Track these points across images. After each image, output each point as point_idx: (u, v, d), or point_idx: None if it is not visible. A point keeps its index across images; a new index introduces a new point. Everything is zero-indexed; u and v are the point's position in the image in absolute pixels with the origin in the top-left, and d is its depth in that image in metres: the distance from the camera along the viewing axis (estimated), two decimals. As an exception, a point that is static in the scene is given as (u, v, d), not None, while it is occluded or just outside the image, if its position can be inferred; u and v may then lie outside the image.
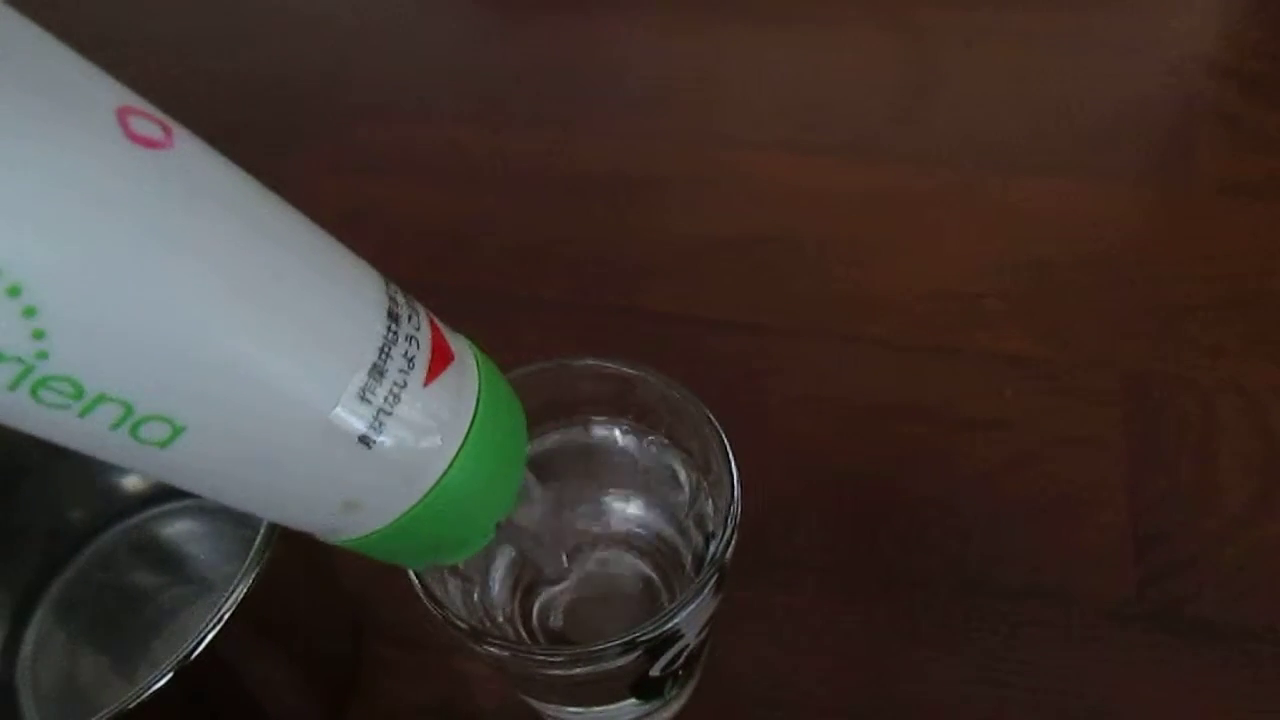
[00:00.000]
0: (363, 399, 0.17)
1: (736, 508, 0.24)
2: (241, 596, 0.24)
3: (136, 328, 0.14)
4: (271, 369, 0.16)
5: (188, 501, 0.35)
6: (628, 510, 0.30)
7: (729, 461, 0.25)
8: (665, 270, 0.44)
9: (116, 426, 0.15)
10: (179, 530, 0.35)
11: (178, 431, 0.15)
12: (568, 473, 0.29)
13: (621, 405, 0.28)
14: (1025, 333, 0.41)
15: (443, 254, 0.45)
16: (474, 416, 0.19)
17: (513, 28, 0.57)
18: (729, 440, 0.25)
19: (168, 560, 0.35)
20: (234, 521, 0.34)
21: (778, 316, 0.42)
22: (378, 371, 0.17)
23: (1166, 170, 0.47)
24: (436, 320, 0.19)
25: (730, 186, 0.47)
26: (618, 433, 0.28)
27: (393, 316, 0.18)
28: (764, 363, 0.41)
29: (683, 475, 0.28)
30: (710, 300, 0.43)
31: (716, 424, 0.25)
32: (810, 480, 0.37)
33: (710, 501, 0.27)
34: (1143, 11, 0.54)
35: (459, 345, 0.20)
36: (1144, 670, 0.32)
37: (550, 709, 0.30)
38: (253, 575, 0.24)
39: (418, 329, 0.18)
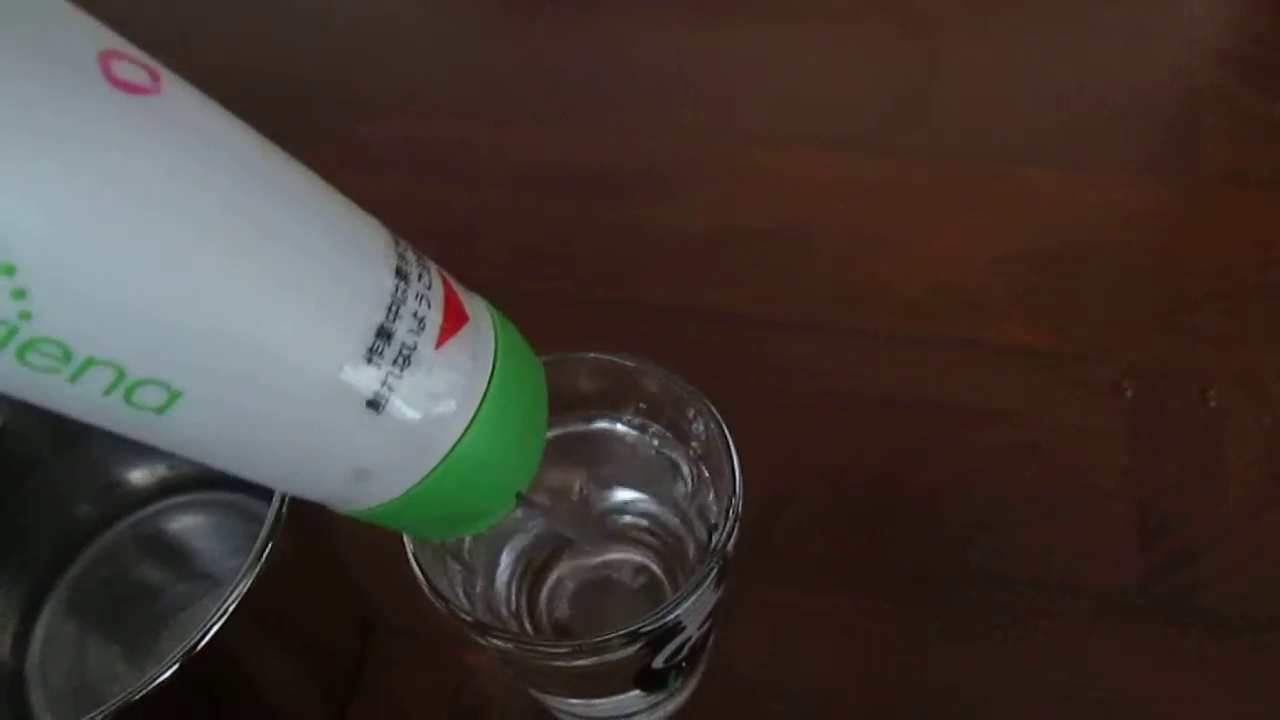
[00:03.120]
0: (370, 360, 0.16)
1: (738, 500, 0.24)
2: (246, 590, 0.24)
3: (124, 287, 0.13)
4: (270, 329, 0.15)
5: (194, 496, 0.35)
6: (630, 503, 0.30)
7: (731, 454, 0.25)
8: (669, 264, 0.44)
9: (109, 392, 0.14)
10: (185, 525, 0.35)
11: (174, 396, 0.15)
12: (570, 466, 0.29)
13: (624, 398, 0.28)
14: (1031, 325, 0.41)
15: (446, 249, 0.45)
16: (490, 381, 0.18)
17: (516, 22, 0.57)
18: (732, 433, 0.25)
19: (174, 554, 0.35)
20: (240, 516, 0.34)
21: (782, 310, 0.42)
22: (385, 332, 0.16)
23: (1173, 161, 0.47)
24: (451, 280, 0.19)
25: (734, 180, 0.47)
26: (620, 426, 0.28)
27: (401, 274, 0.17)
28: (768, 356, 0.40)
29: (685, 468, 0.28)
30: (714, 294, 0.43)
31: (718, 416, 0.25)
32: (815, 472, 0.37)
33: (712, 494, 0.27)
34: (1148, 2, 0.53)
35: (475, 306, 0.19)
36: (1150, 661, 0.32)
37: (554, 701, 0.30)
38: (257, 569, 0.24)
39: (429, 288, 0.17)
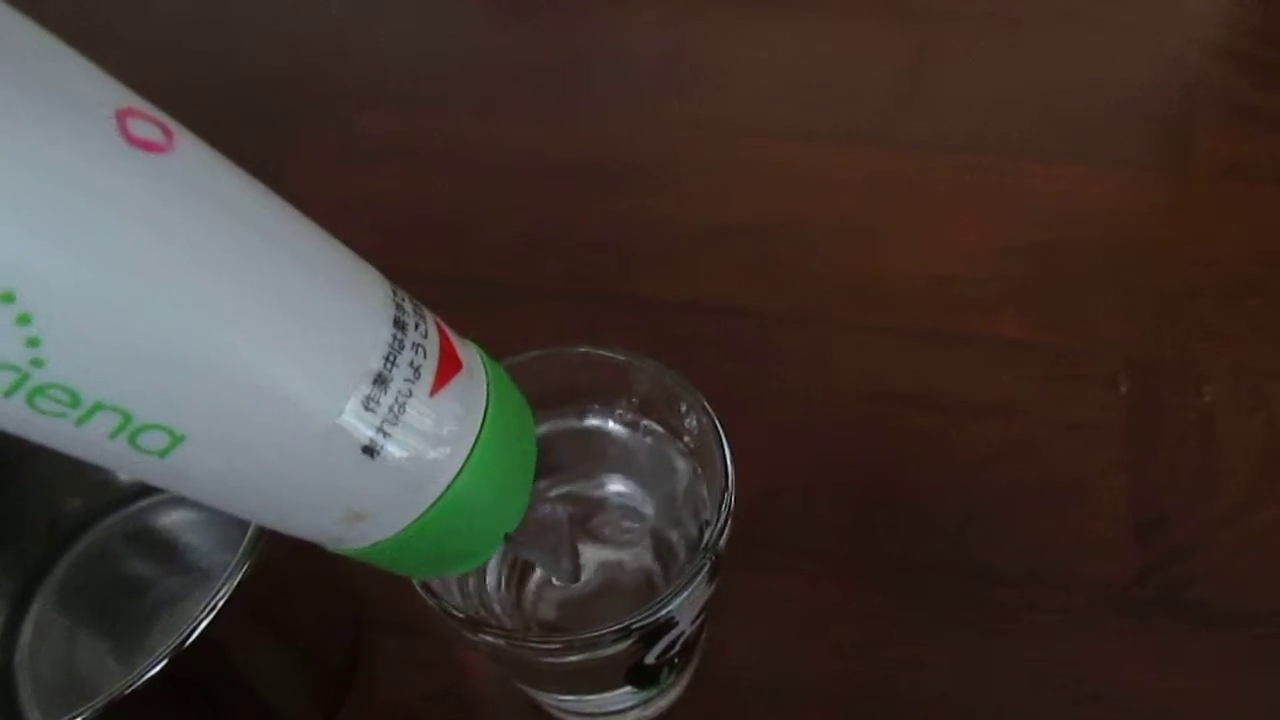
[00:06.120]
0: (367, 408, 0.16)
1: (730, 495, 0.24)
2: (236, 585, 0.24)
3: (134, 337, 0.14)
4: (273, 377, 0.15)
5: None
6: (623, 498, 0.30)
7: (723, 448, 0.25)
8: (664, 257, 0.44)
9: (115, 435, 0.15)
10: (175, 519, 0.35)
11: (177, 440, 0.15)
12: (563, 461, 0.29)
13: (616, 393, 0.28)
14: (1027, 319, 0.41)
15: (441, 242, 0.45)
16: (482, 427, 0.19)
17: (514, 15, 0.57)
18: (726, 427, 0.25)
19: (164, 549, 0.35)
20: (231, 511, 0.34)
21: (778, 303, 0.42)
22: (382, 380, 0.17)
23: (1169, 155, 0.47)
24: (446, 328, 0.19)
25: (731, 173, 0.47)
26: (612, 421, 0.28)
27: (399, 324, 0.17)
28: (764, 349, 0.40)
29: (678, 463, 0.28)
30: (710, 287, 0.43)
31: (711, 411, 0.25)
32: (809, 467, 0.37)
33: (705, 488, 0.27)
34: (1145, -4, 0.53)
35: (468, 353, 0.19)
36: (1144, 654, 0.32)
37: (547, 697, 0.30)
38: (248, 564, 0.24)
39: (425, 337, 0.18)
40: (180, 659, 0.23)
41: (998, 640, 0.33)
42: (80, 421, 0.14)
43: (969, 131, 0.48)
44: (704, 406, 0.25)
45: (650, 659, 0.25)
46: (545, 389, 0.27)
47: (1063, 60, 0.51)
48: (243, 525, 0.25)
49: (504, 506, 0.20)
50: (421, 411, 0.17)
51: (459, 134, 0.50)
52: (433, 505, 0.18)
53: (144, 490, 0.35)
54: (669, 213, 0.46)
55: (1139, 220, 0.44)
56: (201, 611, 0.23)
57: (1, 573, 0.33)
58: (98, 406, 0.14)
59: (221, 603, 0.24)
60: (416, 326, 0.18)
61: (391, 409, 0.17)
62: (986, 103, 0.49)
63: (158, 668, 0.23)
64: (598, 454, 0.29)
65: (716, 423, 0.25)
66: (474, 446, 0.18)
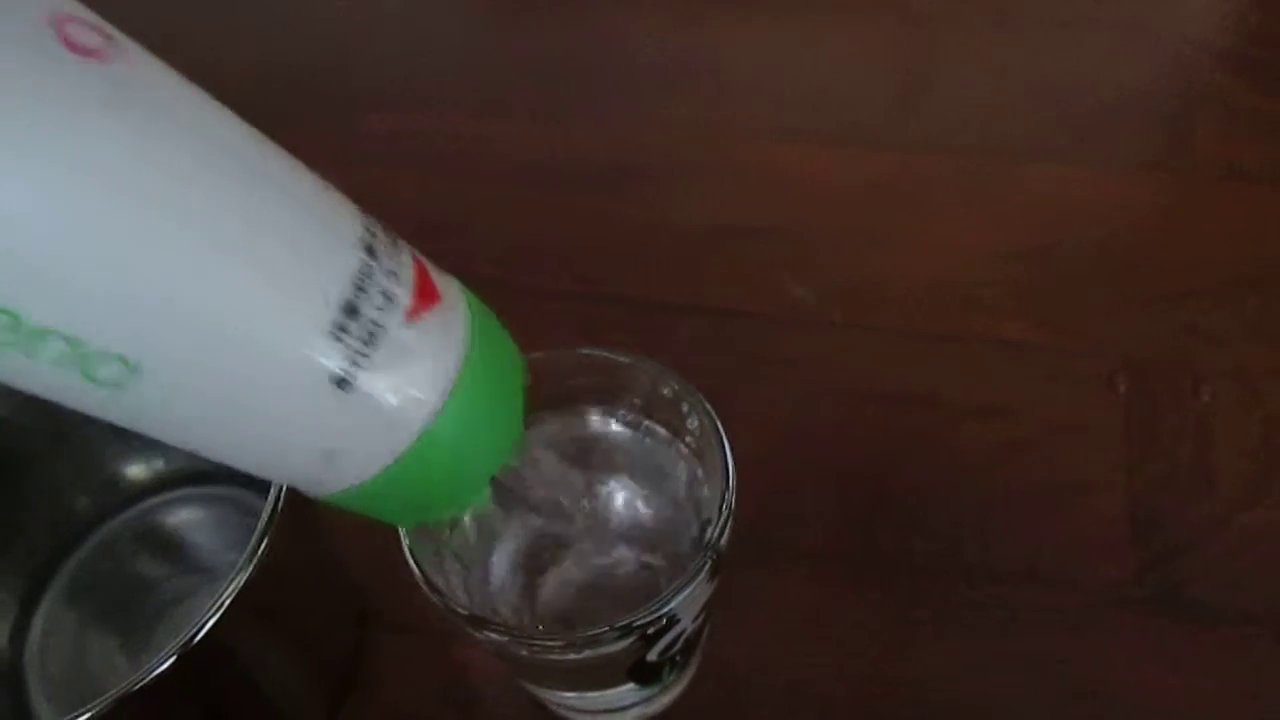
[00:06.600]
0: (336, 337, 0.16)
1: (732, 494, 0.24)
2: (243, 583, 0.24)
3: (75, 255, 0.13)
4: (230, 302, 0.15)
5: (191, 490, 0.35)
6: (625, 498, 0.30)
7: (724, 448, 0.25)
8: (665, 259, 0.44)
9: (64, 365, 0.14)
10: (182, 518, 0.35)
11: (132, 370, 0.14)
12: (565, 461, 0.29)
13: (619, 394, 0.28)
14: (1025, 319, 0.41)
15: (442, 243, 0.45)
16: (463, 363, 0.18)
17: (513, 19, 0.57)
18: (726, 427, 0.25)
19: (171, 548, 0.35)
20: (237, 510, 0.34)
21: (776, 305, 0.42)
22: (352, 308, 0.16)
23: (1168, 156, 0.47)
24: (424, 259, 0.18)
25: (730, 176, 0.47)
26: (615, 421, 0.28)
27: (369, 250, 0.17)
28: (765, 350, 0.41)
29: (679, 463, 0.28)
30: (710, 289, 0.43)
31: (711, 411, 0.26)
32: (809, 467, 0.37)
33: (706, 488, 0.27)
34: (1145, -3, 0.54)
35: (448, 287, 0.19)
36: (1143, 654, 0.33)
37: (549, 695, 0.30)
38: (254, 562, 0.24)
39: (400, 266, 0.17)
40: (188, 656, 0.23)
41: (996, 638, 0.33)
42: (28, 350, 0.13)
43: (969, 133, 0.48)
44: (705, 407, 0.26)
45: (652, 656, 0.25)
46: (548, 390, 0.27)
47: (1063, 61, 0.51)
48: (249, 525, 0.25)
49: (488, 449, 0.19)
50: (395, 343, 0.16)
51: (461, 135, 0.51)
52: (412, 443, 0.17)
53: (151, 490, 0.35)
54: (670, 214, 0.46)
55: (1138, 220, 0.45)
56: (210, 609, 0.24)
57: (11, 570, 0.33)
58: (43, 332, 0.13)
59: (229, 601, 0.24)
60: (389, 254, 0.17)
61: (363, 339, 0.16)
62: (986, 104, 0.49)
63: (166, 664, 0.23)
64: (600, 454, 0.29)
65: (717, 422, 0.25)
66: (454, 385, 0.18)
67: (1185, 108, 0.48)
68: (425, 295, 0.17)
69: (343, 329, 0.16)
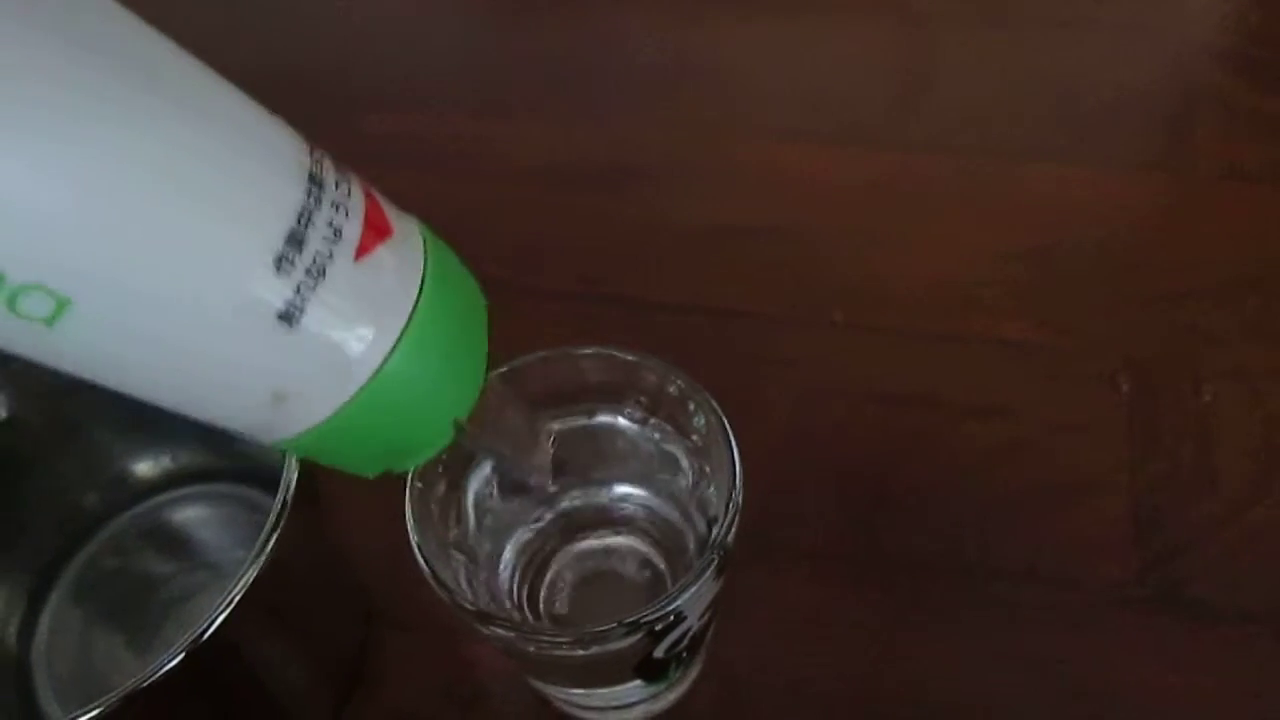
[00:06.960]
0: (279, 270, 0.15)
1: (738, 493, 0.24)
2: (251, 581, 0.24)
3: None
4: (163, 231, 0.14)
5: (198, 488, 0.35)
6: (632, 496, 0.30)
7: (731, 447, 0.25)
8: (668, 259, 0.44)
9: None
10: (190, 516, 0.35)
11: (63, 305, 0.13)
12: (572, 460, 0.29)
13: (624, 393, 0.28)
14: (1026, 319, 0.41)
15: (448, 243, 0.45)
16: (418, 301, 0.17)
17: (513, 19, 0.57)
18: (732, 426, 0.25)
19: (179, 545, 0.35)
20: (244, 507, 0.34)
21: (779, 305, 0.42)
22: (295, 240, 0.15)
23: (1168, 156, 0.47)
24: (377, 194, 0.18)
25: (733, 175, 0.47)
26: (621, 420, 0.28)
27: (315, 180, 0.16)
28: (766, 350, 0.41)
29: (685, 462, 0.28)
30: (713, 289, 0.43)
31: (718, 410, 0.26)
32: (809, 467, 0.37)
33: (712, 486, 0.27)
34: (1144, -3, 0.54)
35: (403, 223, 0.18)
36: (1144, 653, 0.33)
37: (555, 691, 0.30)
38: (261, 560, 0.24)
39: (348, 196, 0.16)
40: (196, 653, 0.23)
41: (997, 638, 0.33)
42: None
43: (969, 133, 0.48)
44: (711, 405, 0.26)
45: (659, 653, 0.25)
46: (555, 389, 0.27)
47: (1063, 61, 0.51)
48: (257, 523, 0.25)
49: (449, 389, 0.19)
50: (343, 277, 0.16)
51: (461, 135, 0.51)
52: (366, 384, 0.17)
53: (158, 487, 0.35)
54: (671, 214, 0.46)
55: (1139, 220, 0.45)
56: (218, 606, 0.24)
57: (18, 568, 0.33)
58: None
59: (237, 598, 0.24)
60: (337, 186, 0.16)
61: (309, 271, 0.15)
62: (986, 104, 0.49)
63: (174, 661, 0.23)
64: (607, 453, 0.29)
65: (724, 422, 0.25)
66: (408, 322, 0.17)
67: (1185, 108, 0.49)
68: (376, 230, 0.17)
69: (288, 260, 0.15)
